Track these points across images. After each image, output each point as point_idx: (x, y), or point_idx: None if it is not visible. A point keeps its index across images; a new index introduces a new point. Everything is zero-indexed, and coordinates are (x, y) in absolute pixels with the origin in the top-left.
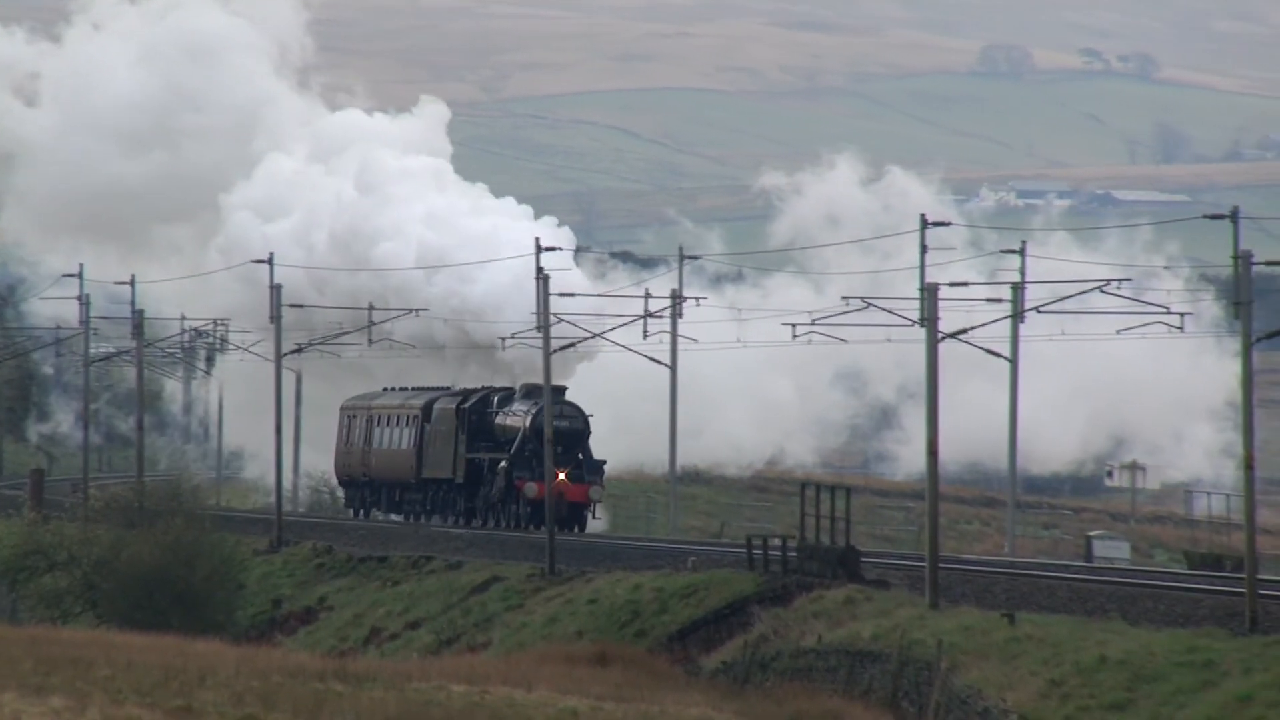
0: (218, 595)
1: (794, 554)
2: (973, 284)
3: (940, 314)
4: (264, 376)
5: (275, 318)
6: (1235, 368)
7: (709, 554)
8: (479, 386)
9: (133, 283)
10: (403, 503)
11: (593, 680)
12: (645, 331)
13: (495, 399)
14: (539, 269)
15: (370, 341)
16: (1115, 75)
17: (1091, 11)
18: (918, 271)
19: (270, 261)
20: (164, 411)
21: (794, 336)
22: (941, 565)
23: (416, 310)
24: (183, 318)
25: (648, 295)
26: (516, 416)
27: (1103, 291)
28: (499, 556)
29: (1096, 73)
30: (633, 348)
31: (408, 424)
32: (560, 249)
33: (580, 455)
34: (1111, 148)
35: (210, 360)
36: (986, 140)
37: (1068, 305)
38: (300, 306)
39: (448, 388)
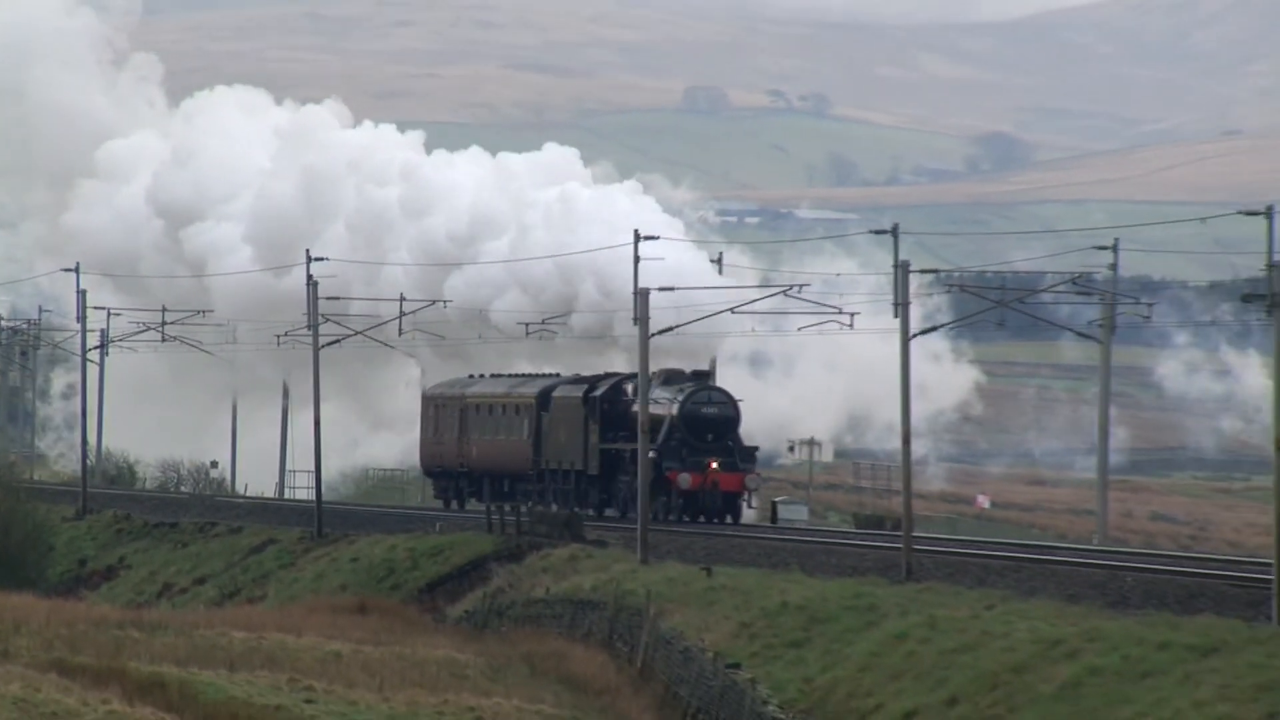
0: (30, 556)
1: (526, 519)
2: (680, 289)
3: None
4: (132, 365)
5: (80, 318)
6: (970, 371)
7: (455, 519)
8: (601, 373)
9: None
10: (514, 494)
11: (354, 627)
12: (400, 329)
13: (629, 387)
14: (309, 276)
15: (164, 338)
16: (796, 112)
17: (777, 58)
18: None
19: (77, 270)
20: None
21: (526, 335)
22: (650, 528)
23: (203, 311)
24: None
25: (402, 299)
26: (660, 404)
27: (786, 295)
28: (274, 522)
29: (781, 110)
30: (392, 344)
31: (517, 413)
32: (327, 259)
33: (731, 443)
34: (793, 173)
35: (25, 355)
36: (690, 167)
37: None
38: (102, 309)
39: (556, 374)
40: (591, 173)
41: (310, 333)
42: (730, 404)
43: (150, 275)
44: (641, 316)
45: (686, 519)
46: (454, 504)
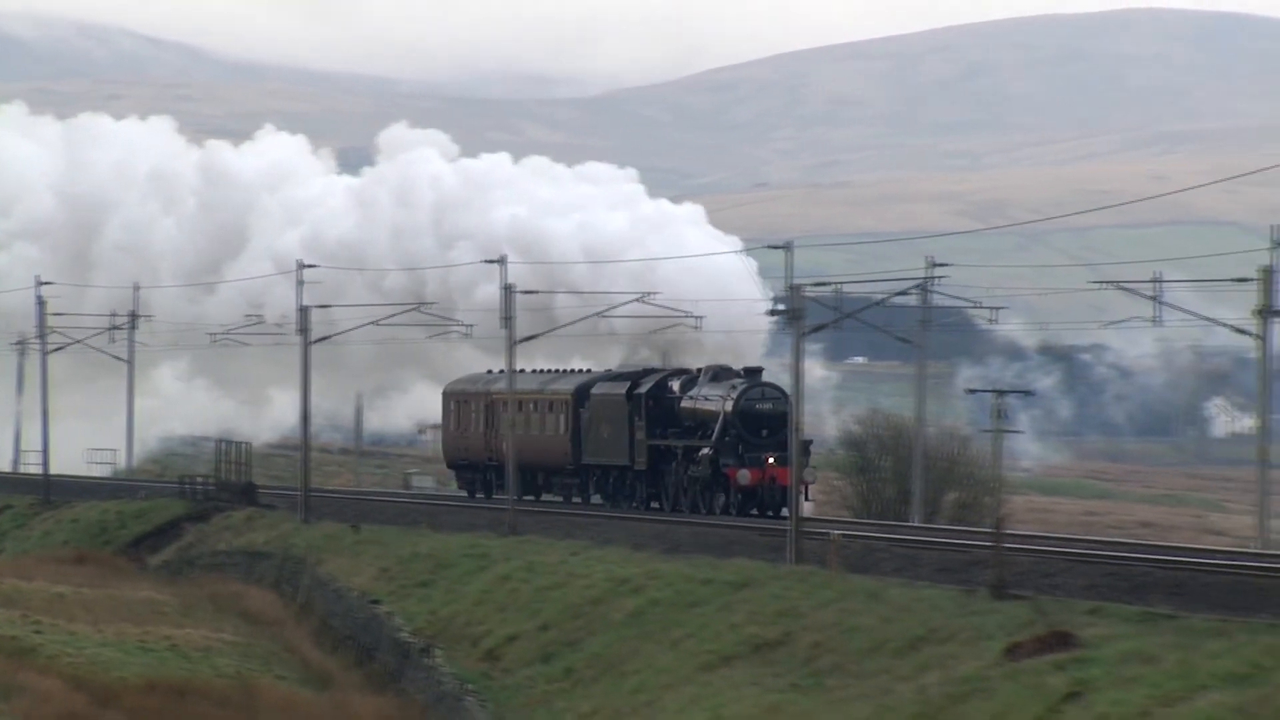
0: None
1: (212, 487)
2: (341, 305)
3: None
4: None
5: None
6: None
7: (157, 488)
8: (640, 369)
9: None
10: (549, 486)
11: (74, 574)
12: (112, 338)
13: (675, 384)
14: (37, 297)
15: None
16: None
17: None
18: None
19: None
20: None
21: (211, 342)
22: (311, 493)
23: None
24: None
25: (112, 315)
26: (711, 401)
27: (420, 310)
28: (10, 490)
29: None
30: (103, 350)
31: (551, 409)
32: (53, 282)
33: (786, 438)
34: None
35: None
36: None
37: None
38: None
39: (587, 370)
40: None
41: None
42: (783, 399)
43: None
44: (304, 327)
45: (738, 513)
46: (479, 495)
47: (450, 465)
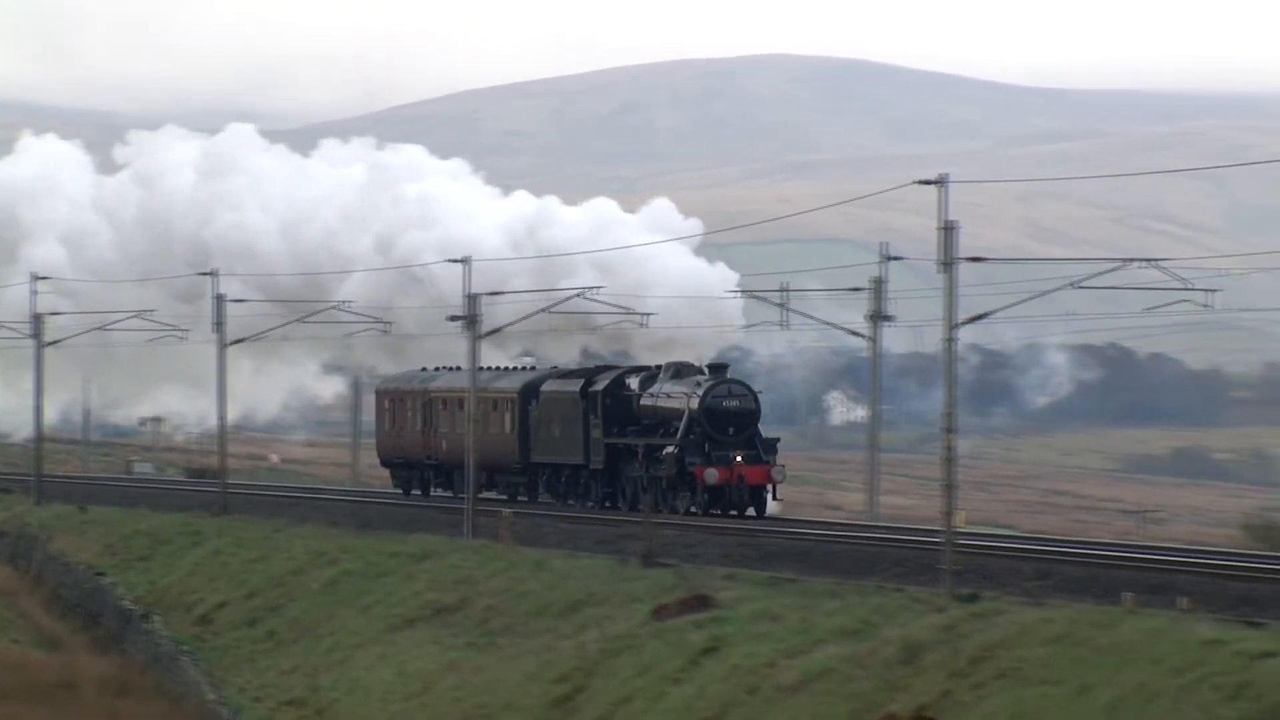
0: None
1: None
2: (74, 312)
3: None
4: None
5: None
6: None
7: None
8: (593, 366)
9: None
10: (494, 484)
11: None
12: None
13: (632, 381)
14: None
15: None
16: None
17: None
18: None
19: None
20: None
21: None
22: (44, 478)
23: None
24: None
25: None
26: (674, 399)
27: (142, 317)
28: None
29: None
30: None
31: (495, 407)
32: None
33: (753, 435)
34: None
35: None
36: None
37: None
38: None
39: (531, 368)
40: None
41: None
42: (750, 396)
43: None
44: (37, 333)
45: (703, 513)
46: (415, 492)
47: (385, 464)
